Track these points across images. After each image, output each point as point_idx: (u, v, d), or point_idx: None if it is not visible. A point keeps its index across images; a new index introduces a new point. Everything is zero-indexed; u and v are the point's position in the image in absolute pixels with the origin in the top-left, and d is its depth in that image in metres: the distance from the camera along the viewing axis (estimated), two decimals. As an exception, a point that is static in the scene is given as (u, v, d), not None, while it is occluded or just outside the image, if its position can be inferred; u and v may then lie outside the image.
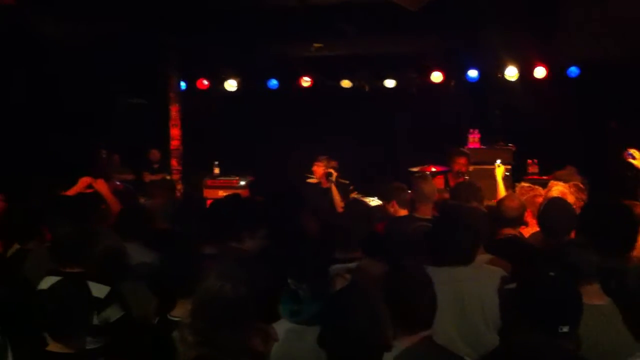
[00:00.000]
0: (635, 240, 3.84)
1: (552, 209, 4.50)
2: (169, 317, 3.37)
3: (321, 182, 8.07)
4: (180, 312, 3.29)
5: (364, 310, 2.61)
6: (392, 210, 5.58)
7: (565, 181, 5.88)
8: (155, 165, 11.05)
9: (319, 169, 8.15)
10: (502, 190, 6.90)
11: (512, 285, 3.07)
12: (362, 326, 2.57)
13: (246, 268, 2.83)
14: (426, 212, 5.27)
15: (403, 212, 5.51)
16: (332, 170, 8.00)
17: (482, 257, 4.00)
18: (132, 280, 4.06)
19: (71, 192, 5.84)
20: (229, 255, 4.10)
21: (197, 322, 2.66)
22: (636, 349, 2.72)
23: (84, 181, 5.94)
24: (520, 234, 5.02)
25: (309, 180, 8.33)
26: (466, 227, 3.65)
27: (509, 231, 4.72)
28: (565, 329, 2.69)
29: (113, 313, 3.81)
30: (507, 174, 8.98)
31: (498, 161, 7.53)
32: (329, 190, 7.88)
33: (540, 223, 4.57)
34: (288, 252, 3.44)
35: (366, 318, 2.59)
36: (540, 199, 6.11)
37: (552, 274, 2.87)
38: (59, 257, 3.98)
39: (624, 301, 2.95)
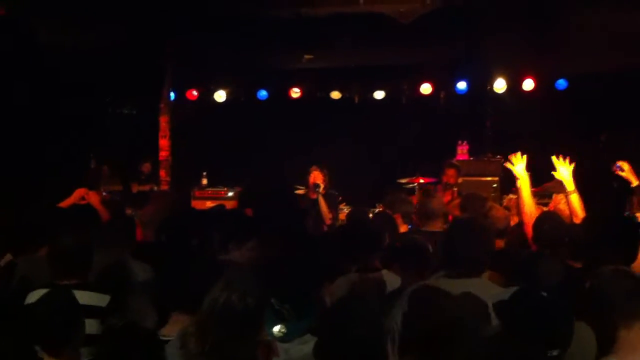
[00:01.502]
0: (637, 253, 3.82)
1: (545, 222, 4.49)
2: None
3: (309, 193, 8.05)
4: (171, 330, 3.25)
5: (363, 321, 2.59)
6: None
7: (554, 193, 5.90)
8: (143, 177, 11.00)
9: (317, 177, 8.07)
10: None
11: (502, 297, 3.01)
12: (361, 337, 2.55)
13: (253, 279, 2.82)
14: (435, 226, 5.27)
15: (404, 227, 5.52)
16: (319, 182, 7.98)
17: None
18: (133, 294, 4.01)
19: (66, 203, 5.82)
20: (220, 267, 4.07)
21: (203, 333, 2.65)
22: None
23: (79, 192, 5.93)
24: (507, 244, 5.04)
25: (298, 192, 8.31)
26: (481, 238, 3.66)
27: (498, 243, 4.73)
28: (555, 353, 2.56)
29: (115, 322, 3.77)
30: (495, 185, 9.03)
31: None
32: (316, 201, 7.87)
33: (533, 236, 4.56)
34: (271, 270, 3.41)
35: (365, 329, 2.56)
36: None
37: (544, 294, 2.72)
38: (58, 269, 3.91)
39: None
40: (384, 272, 4.14)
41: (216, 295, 2.69)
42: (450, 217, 5.86)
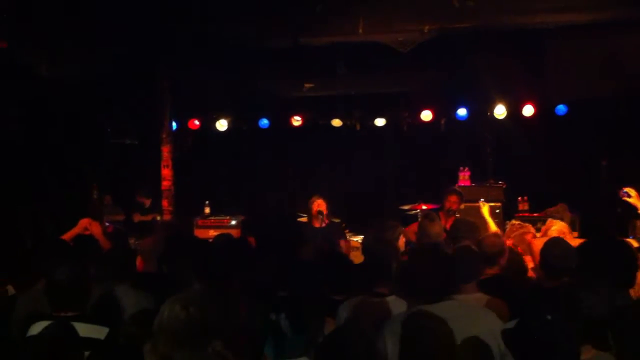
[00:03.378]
0: (635, 277, 3.81)
1: (554, 249, 4.45)
2: None
3: (312, 222, 8.03)
4: None
5: (362, 347, 2.59)
6: None
7: (556, 218, 5.93)
8: (146, 206, 10.98)
9: (321, 205, 8.04)
10: (492, 227, 6.90)
11: (510, 326, 2.99)
12: None
13: (206, 295, 2.86)
14: None
15: None
16: (323, 209, 7.97)
17: (479, 297, 3.98)
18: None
19: (71, 233, 5.84)
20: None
21: (156, 343, 2.73)
22: None
23: (83, 223, 5.95)
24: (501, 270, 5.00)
25: (301, 219, 8.30)
26: (432, 264, 3.57)
27: (490, 270, 4.69)
28: None
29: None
30: (497, 211, 9.02)
31: (482, 200, 7.58)
32: (320, 229, 7.85)
33: (541, 262, 4.53)
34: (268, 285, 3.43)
35: (364, 355, 2.57)
36: (529, 236, 6.13)
37: (548, 317, 2.73)
38: (55, 301, 3.90)
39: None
40: (392, 297, 4.12)
41: (163, 307, 2.78)
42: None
